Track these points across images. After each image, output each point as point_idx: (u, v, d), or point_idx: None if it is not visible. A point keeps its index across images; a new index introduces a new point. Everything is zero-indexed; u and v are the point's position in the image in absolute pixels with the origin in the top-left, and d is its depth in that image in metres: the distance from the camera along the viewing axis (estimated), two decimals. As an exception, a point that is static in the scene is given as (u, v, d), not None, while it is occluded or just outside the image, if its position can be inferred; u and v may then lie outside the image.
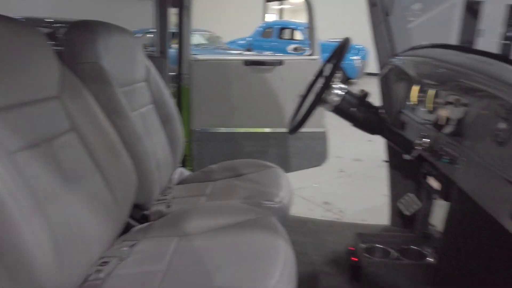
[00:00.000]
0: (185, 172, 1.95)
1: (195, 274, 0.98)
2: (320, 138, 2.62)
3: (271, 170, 1.74)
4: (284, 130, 2.53)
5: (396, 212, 1.80)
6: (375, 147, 4.98)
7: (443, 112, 1.21)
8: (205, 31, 9.08)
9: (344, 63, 9.41)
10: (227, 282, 0.93)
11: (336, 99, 1.43)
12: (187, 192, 1.67)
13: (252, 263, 1.00)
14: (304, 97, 1.68)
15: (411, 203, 1.58)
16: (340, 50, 1.38)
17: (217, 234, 1.17)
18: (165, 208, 1.49)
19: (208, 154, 2.32)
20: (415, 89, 1.58)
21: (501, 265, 1.06)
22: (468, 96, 1.11)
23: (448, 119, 1.20)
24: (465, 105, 1.13)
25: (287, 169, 2.57)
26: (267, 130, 2.49)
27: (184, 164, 2.29)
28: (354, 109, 1.43)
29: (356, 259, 1.43)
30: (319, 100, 1.35)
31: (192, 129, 2.36)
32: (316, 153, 2.63)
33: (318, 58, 2.55)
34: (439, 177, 1.25)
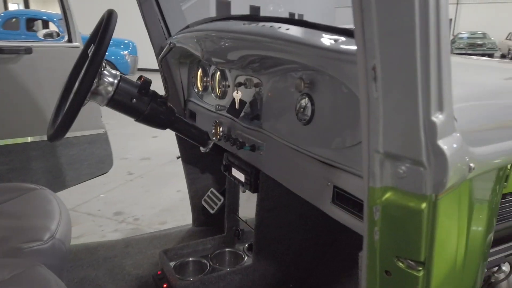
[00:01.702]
0: None
1: None
2: (101, 141, 2.22)
3: (33, 193, 1.26)
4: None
5: (200, 211, 1.63)
6: (162, 143, 4.83)
7: (236, 95, 1.08)
8: None
9: (116, 59, 8.89)
10: None
11: (110, 88, 1.11)
12: None
13: None
14: (66, 93, 1.28)
15: (214, 200, 1.43)
16: (105, 25, 1.05)
17: None
18: None
19: None
20: (199, 74, 1.42)
21: (323, 253, 1.02)
22: (260, 74, 1.00)
23: (241, 103, 1.07)
24: (257, 85, 1.02)
25: (62, 185, 2.06)
26: (22, 140, 1.90)
27: None
28: (135, 101, 1.14)
29: (166, 285, 1.17)
30: (86, 92, 1.00)
31: None
32: (98, 159, 2.21)
33: (79, 45, 2.11)
34: (243, 167, 1.13)
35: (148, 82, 1.17)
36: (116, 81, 1.11)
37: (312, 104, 0.78)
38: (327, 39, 0.65)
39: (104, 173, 2.37)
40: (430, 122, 0.48)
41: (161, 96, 1.21)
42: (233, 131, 1.15)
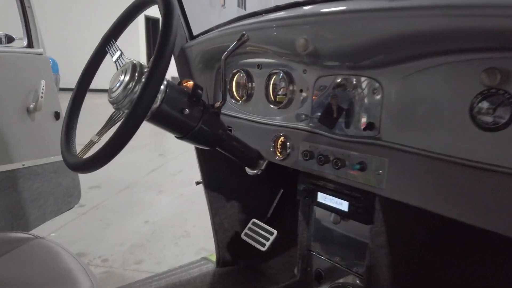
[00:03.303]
0: None
1: None
2: (67, 169, 1.81)
3: (31, 245, 0.90)
4: (9, 167, 1.57)
5: (226, 248, 1.33)
6: (108, 166, 4.33)
7: (333, 101, 0.85)
8: None
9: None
10: None
11: (157, 98, 0.82)
12: None
13: None
14: (76, 105, 0.96)
15: (261, 233, 1.16)
16: (167, 17, 0.75)
17: None
18: None
19: None
20: (236, 79, 1.17)
21: None
22: (376, 72, 0.79)
23: (339, 110, 0.86)
24: (356, 86, 0.82)
25: (26, 227, 1.63)
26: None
27: None
28: (187, 112, 0.86)
29: None
30: (148, 108, 0.70)
31: None
32: (65, 192, 1.81)
33: (43, 51, 1.71)
34: (346, 191, 0.89)
35: (199, 87, 0.89)
36: (163, 88, 0.82)
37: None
38: None
39: (69, 209, 1.95)
40: None
41: (212, 105, 0.94)
42: (315, 147, 0.92)
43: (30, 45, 1.69)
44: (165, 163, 4.40)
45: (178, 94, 0.86)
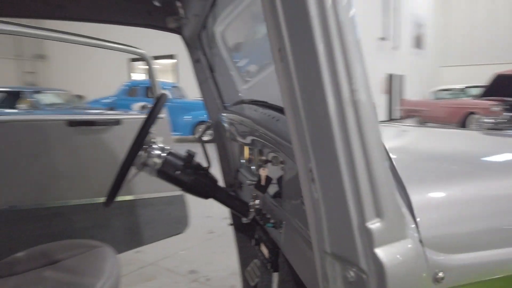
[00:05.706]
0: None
1: None
2: (178, 203, 2.38)
3: (95, 251, 1.43)
4: (131, 197, 2.24)
5: (245, 282, 1.63)
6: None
7: (262, 172, 1.12)
8: (60, 90, 8.70)
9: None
10: None
11: (158, 161, 1.24)
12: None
13: None
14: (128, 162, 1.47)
15: (255, 272, 1.43)
16: (155, 107, 1.22)
17: None
18: None
19: (21, 238, 1.87)
20: (246, 147, 1.50)
21: None
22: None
23: (268, 179, 1.11)
24: (282, 162, 1.06)
25: (140, 242, 2.26)
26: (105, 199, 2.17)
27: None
28: (179, 173, 1.26)
29: None
30: (130, 163, 1.15)
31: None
32: (174, 220, 2.38)
33: (165, 117, 2.38)
34: (267, 243, 1.13)
35: (191, 155, 1.28)
36: (164, 154, 1.24)
37: None
38: None
39: (178, 233, 2.49)
40: (366, 229, 0.46)
41: (203, 167, 1.31)
42: (264, 206, 1.18)
43: (155, 112, 2.39)
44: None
45: (176, 159, 1.27)
